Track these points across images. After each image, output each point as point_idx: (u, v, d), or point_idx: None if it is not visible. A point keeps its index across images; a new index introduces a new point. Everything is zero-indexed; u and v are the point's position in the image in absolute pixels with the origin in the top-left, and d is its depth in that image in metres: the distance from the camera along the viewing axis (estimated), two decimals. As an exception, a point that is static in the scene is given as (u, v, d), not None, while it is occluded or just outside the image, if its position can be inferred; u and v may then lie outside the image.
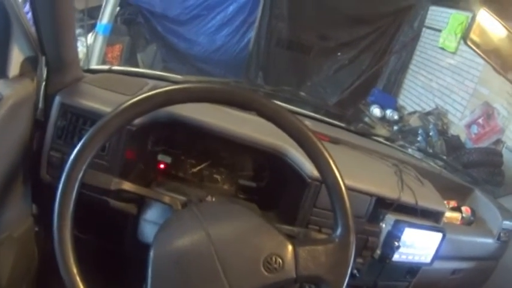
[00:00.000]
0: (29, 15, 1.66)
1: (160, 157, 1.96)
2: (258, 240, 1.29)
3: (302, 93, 3.15)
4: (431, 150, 5.99)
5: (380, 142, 2.79)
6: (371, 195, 1.91)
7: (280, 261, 1.25)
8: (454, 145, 6.87)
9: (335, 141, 2.25)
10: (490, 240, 2.62)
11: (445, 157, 5.22)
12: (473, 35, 2.44)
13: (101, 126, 1.27)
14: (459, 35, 7.62)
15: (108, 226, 1.91)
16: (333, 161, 1.36)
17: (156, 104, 1.33)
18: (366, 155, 2.32)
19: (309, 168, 1.78)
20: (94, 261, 1.56)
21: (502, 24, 2.48)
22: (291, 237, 1.33)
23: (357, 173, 1.88)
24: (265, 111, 1.37)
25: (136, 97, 1.31)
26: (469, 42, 2.45)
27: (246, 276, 1.24)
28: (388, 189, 1.98)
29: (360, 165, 2.16)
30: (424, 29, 9.03)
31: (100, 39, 4.48)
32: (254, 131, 1.85)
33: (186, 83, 1.37)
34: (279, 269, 1.25)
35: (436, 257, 2.08)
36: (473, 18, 2.49)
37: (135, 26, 8.20)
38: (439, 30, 8.36)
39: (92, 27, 4.37)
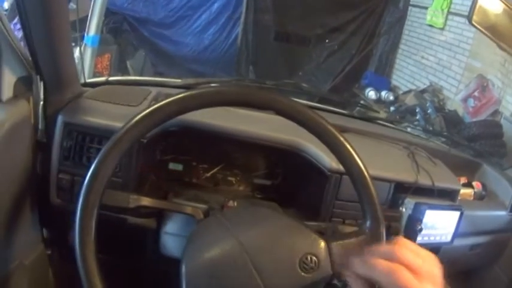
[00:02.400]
0: (17, 33, 1.62)
1: (171, 166, 1.94)
2: (290, 241, 1.27)
3: (304, 85, 3.13)
4: (431, 128, 5.97)
5: (385, 125, 2.77)
6: (390, 181, 1.91)
7: (316, 259, 1.23)
8: (452, 120, 6.86)
9: (343, 129, 2.23)
10: (503, 213, 2.61)
11: (447, 133, 5.22)
12: (477, 14, 2.43)
13: (114, 143, 1.23)
14: (446, 10, 7.63)
15: (127, 243, 1.90)
16: (356, 152, 1.35)
17: (169, 114, 1.29)
18: (376, 141, 2.31)
19: (327, 161, 1.76)
20: (116, 280, 1.54)
21: (504, 2, 2.47)
22: (321, 233, 1.32)
23: (373, 160, 1.84)
24: (284, 109, 1.35)
25: (147, 108, 1.27)
26: (473, 22, 2.45)
27: (284, 281, 1.22)
28: (405, 174, 1.98)
29: (374, 152, 2.15)
30: (410, 7, 9.04)
31: (89, 51, 4.46)
32: (267, 130, 1.83)
33: (192, 88, 1.35)
34: (315, 268, 1.23)
35: (456, 235, 2.08)
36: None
37: (122, 34, 8.19)
38: (425, 8, 8.36)
39: (80, 40, 4.36)
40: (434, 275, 1.08)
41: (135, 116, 1.26)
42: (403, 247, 1.10)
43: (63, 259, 2.06)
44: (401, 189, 1.96)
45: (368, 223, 1.33)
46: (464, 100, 7.04)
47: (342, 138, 1.34)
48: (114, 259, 1.79)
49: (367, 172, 1.34)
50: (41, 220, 1.88)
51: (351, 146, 1.35)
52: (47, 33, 1.56)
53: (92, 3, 4.42)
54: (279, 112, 1.35)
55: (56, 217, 1.81)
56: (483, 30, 2.51)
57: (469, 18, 2.45)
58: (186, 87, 2.18)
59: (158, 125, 1.31)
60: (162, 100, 1.29)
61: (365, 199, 1.34)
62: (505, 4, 2.45)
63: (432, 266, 1.09)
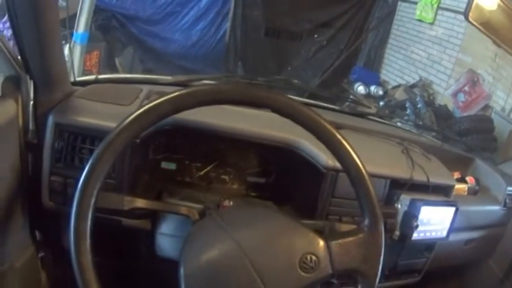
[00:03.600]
0: (6, 32, 1.60)
1: (164, 165, 1.92)
2: (289, 241, 1.27)
3: (295, 81, 3.12)
4: (421, 123, 5.98)
5: (377, 121, 2.77)
6: (385, 178, 1.91)
7: (316, 259, 1.24)
8: (443, 115, 6.89)
9: (338, 126, 2.22)
10: (496, 207, 2.64)
11: (438, 128, 5.23)
12: (473, 11, 2.43)
13: (108, 145, 1.22)
14: (435, 5, 7.65)
15: (122, 245, 1.88)
16: (353, 150, 1.34)
17: (162, 114, 1.28)
18: (370, 137, 2.31)
19: (323, 158, 1.76)
20: (112, 282, 1.52)
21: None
22: (319, 232, 1.32)
23: (369, 157, 1.82)
24: (280, 107, 1.34)
25: (142, 108, 1.25)
26: (470, 19, 2.44)
27: (284, 281, 1.22)
28: (400, 170, 1.98)
29: (369, 148, 2.14)
30: (399, 2, 9.04)
31: (78, 48, 4.44)
32: (262, 127, 1.83)
33: (184, 85, 1.33)
34: (315, 268, 1.23)
35: (451, 230, 2.09)
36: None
37: (110, 31, 8.14)
38: (415, 3, 8.38)
39: (69, 38, 4.34)
40: None
41: (129, 116, 1.24)
42: None
43: (56, 262, 2.04)
44: (397, 185, 1.96)
45: (367, 221, 1.34)
46: (455, 95, 7.06)
47: (339, 136, 1.34)
48: (110, 261, 1.77)
49: (365, 170, 1.34)
50: (32, 222, 1.86)
51: (349, 144, 1.35)
52: (37, 32, 1.54)
53: (81, 0, 4.40)
54: (276, 110, 1.34)
55: (48, 220, 1.80)
56: (479, 27, 2.51)
57: (466, 14, 2.45)
58: (178, 85, 2.16)
59: (152, 125, 1.29)
60: (155, 99, 1.28)
61: (363, 197, 1.34)
62: (501, 0, 2.45)
63: None
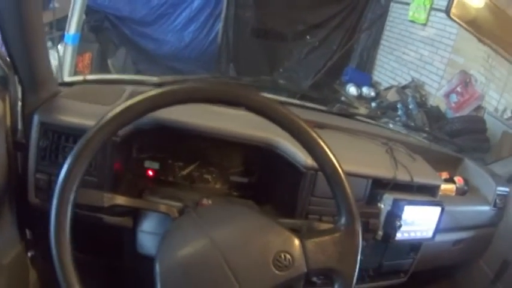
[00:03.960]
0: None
1: (147, 164, 1.94)
2: (264, 239, 1.27)
3: (281, 81, 3.13)
4: (412, 124, 5.99)
5: (365, 122, 2.78)
6: (367, 177, 1.91)
7: (290, 257, 1.24)
8: (434, 116, 6.91)
9: (320, 126, 2.23)
10: (486, 208, 2.64)
11: (428, 129, 5.24)
12: (455, 8, 2.43)
13: (85, 143, 1.22)
14: (428, 6, 7.66)
15: (104, 242, 1.89)
16: (329, 149, 1.34)
17: (139, 112, 1.28)
18: (354, 137, 2.31)
19: (302, 158, 1.76)
20: (95, 279, 1.52)
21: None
22: (296, 231, 1.31)
23: (349, 156, 1.86)
24: (255, 105, 1.33)
25: (118, 107, 1.26)
26: (452, 16, 2.44)
27: (258, 278, 1.22)
28: (382, 169, 1.98)
29: (351, 148, 2.15)
30: (392, 3, 9.05)
31: (70, 49, 4.43)
32: (242, 127, 1.84)
33: (166, 86, 1.33)
34: (289, 266, 1.23)
35: (437, 230, 2.08)
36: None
37: (103, 32, 8.14)
38: (407, 4, 8.38)
39: (59, 39, 4.33)
40: None
41: (106, 115, 1.25)
42: None
43: (46, 260, 2.04)
44: (380, 185, 1.96)
45: (343, 220, 1.33)
46: (447, 96, 7.07)
47: (314, 135, 1.33)
48: (93, 258, 1.82)
49: (341, 168, 1.34)
50: (21, 220, 1.88)
51: (324, 143, 1.34)
52: (22, 34, 1.56)
53: (72, 1, 4.39)
54: (250, 109, 1.34)
55: (37, 217, 1.81)
56: (462, 24, 2.51)
57: (447, 11, 2.45)
58: (162, 85, 2.17)
59: (129, 123, 1.30)
60: (133, 98, 1.28)
61: (339, 196, 1.34)
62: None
63: None
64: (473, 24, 2.51)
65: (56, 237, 1.16)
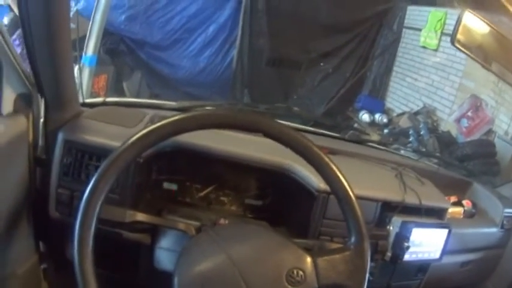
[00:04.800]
0: (16, 49, 1.67)
1: (166, 185, 2.00)
2: (278, 256, 1.33)
3: (295, 108, 3.18)
4: (424, 149, 6.01)
5: (375, 148, 2.84)
6: (376, 200, 1.96)
7: (302, 273, 1.30)
8: (446, 141, 6.88)
9: (333, 152, 2.30)
10: (494, 230, 2.68)
11: (438, 154, 5.26)
12: (459, 36, 2.49)
13: (112, 161, 1.29)
14: (439, 31, 7.65)
15: (122, 257, 1.93)
16: (341, 173, 1.41)
17: (163, 135, 1.35)
18: (365, 162, 2.37)
19: (315, 181, 1.82)
20: None
21: (487, 23, 2.54)
22: (308, 250, 1.38)
23: (360, 181, 1.90)
24: (271, 132, 1.41)
25: (143, 130, 1.33)
26: (456, 44, 2.50)
27: None
28: (391, 193, 2.03)
29: (362, 173, 2.21)
30: (404, 29, 8.99)
31: (87, 71, 4.51)
32: (258, 151, 1.90)
33: (187, 111, 1.40)
34: (302, 282, 1.30)
35: (445, 252, 2.13)
36: (458, 20, 2.56)
37: (118, 55, 8.11)
38: (419, 30, 8.35)
39: (78, 60, 4.38)
40: None
41: (132, 137, 1.32)
42: None
43: (58, 273, 2.10)
44: (389, 208, 2.01)
45: (353, 239, 1.40)
46: (458, 121, 7.07)
47: (326, 159, 1.41)
48: (111, 273, 1.86)
49: (352, 191, 1.40)
50: (37, 233, 1.94)
51: (336, 166, 1.41)
52: (50, 54, 1.63)
53: (90, 23, 4.47)
54: (266, 134, 1.41)
55: (53, 231, 1.88)
56: (467, 52, 2.57)
57: (452, 39, 2.51)
58: (181, 110, 2.23)
59: (153, 146, 1.37)
60: (157, 122, 1.35)
61: (350, 216, 1.40)
62: (490, 25, 2.51)
63: None
64: (479, 51, 2.56)
65: (79, 249, 1.22)
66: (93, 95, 6.25)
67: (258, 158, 1.89)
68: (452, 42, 2.57)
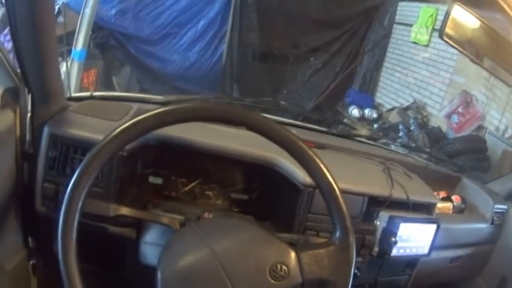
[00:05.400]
0: (7, 44, 1.65)
1: (151, 179, 1.99)
2: (261, 250, 1.33)
3: (282, 103, 3.18)
4: (413, 145, 6.01)
5: (364, 142, 2.84)
6: (363, 195, 1.95)
7: (286, 268, 1.29)
8: (436, 137, 6.88)
9: (320, 146, 2.29)
10: (483, 225, 2.68)
11: (428, 149, 5.26)
12: (448, 30, 2.48)
13: (95, 154, 1.29)
14: (430, 27, 7.66)
15: (107, 252, 1.92)
16: (325, 167, 1.40)
17: (146, 128, 1.35)
18: (352, 157, 2.37)
19: (300, 175, 1.81)
20: None
21: (476, 17, 2.53)
22: (292, 244, 1.37)
23: (347, 175, 1.92)
24: (255, 125, 1.40)
25: (126, 123, 1.32)
26: (445, 37, 2.50)
27: (255, 287, 1.27)
28: (378, 188, 2.03)
29: (349, 167, 2.20)
30: (394, 25, 8.99)
31: (76, 65, 4.49)
32: (243, 145, 1.89)
33: (173, 105, 1.39)
34: (285, 276, 1.29)
35: (433, 247, 2.13)
36: (447, 13, 2.55)
37: (108, 49, 8.08)
38: (410, 25, 8.36)
39: (67, 54, 4.37)
40: None
41: (115, 130, 1.32)
42: None
43: (47, 268, 2.09)
44: (376, 203, 2.00)
45: (338, 234, 1.39)
46: (448, 116, 7.07)
47: (310, 153, 1.40)
48: (96, 268, 1.86)
49: (336, 185, 1.39)
50: (25, 228, 1.93)
51: (320, 161, 1.40)
52: (36, 48, 1.63)
53: (80, 17, 4.45)
54: (251, 128, 1.40)
55: (40, 225, 1.87)
56: (455, 46, 2.56)
57: (441, 33, 2.50)
58: (168, 104, 2.22)
59: (136, 139, 1.37)
60: (140, 115, 1.35)
61: (334, 211, 1.39)
62: (479, 19, 2.51)
63: None
64: (467, 46, 2.56)
65: (63, 243, 1.21)
66: (82, 89, 6.23)
67: (243, 151, 1.89)
68: (441, 36, 2.57)
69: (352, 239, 1.38)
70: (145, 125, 1.34)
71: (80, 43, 4.50)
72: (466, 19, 2.57)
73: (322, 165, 1.40)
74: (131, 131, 1.33)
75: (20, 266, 1.93)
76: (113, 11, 7.86)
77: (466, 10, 2.53)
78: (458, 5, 2.52)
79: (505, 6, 2.24)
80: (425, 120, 7.53)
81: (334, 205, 1.39)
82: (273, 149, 1.48)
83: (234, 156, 1.88)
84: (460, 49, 2.66)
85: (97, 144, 1.31)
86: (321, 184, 1.41)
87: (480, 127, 6.66)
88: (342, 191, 1.41)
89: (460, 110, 6.91)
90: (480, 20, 2.56)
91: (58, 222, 1.23)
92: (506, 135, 6.11)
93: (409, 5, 8.63)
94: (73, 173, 1.27)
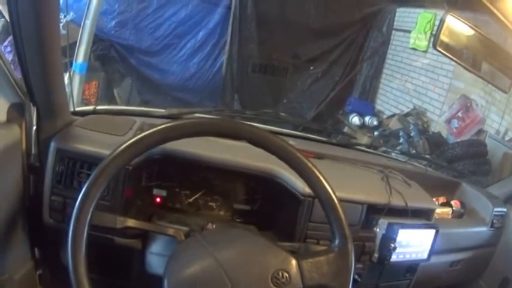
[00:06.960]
0: (7, 56, 1.68)
1: (155, 192, 2.03)
2: (263, 259, 1.37)
3: (282, 114, 3.21)
4: (414, 151, 6.03)
5: (363, 151, 2.87)
6: (362, 203, 1.99)
7: (287, 275, 1.34)
8: (436, 142, 6.86)
9: (320, 156, 2.33)
10: (483, 229, 2.72)
11: (428, 156, 5.28)
12: (442, 39, 2.51)
13: (103, 169, 1.34)
14: (429, 33, 7.66)
15: (114, 262, 1.96)
16: (323, 177, 1.45)
17: (151, 143, 1.40)
18: (351, 166, 2.40)
19: (300, 186, 1.85)
20: None
21: (468, 25, 2.56)
22: (293, 253, 1.42)
23: (345, 184, 1.97)
24: (255, 138, 1.46)
25: (132, 138, 1.37)
26: (438, 47, 2.53)
27: None
28: (377, 196, 2.07)
29: (348, 176, 2.24)
30: (393, 32, 8.97)
31: (77, 78, 4.51)
32: (245, 158, 1.93)
33: (174, 117, 1.43)
34: (286, 283, 1.33)
35: (432, 252, 2.16)
36: (441, 24, 2.58)
37: (109, 61, 8.06)
38: (409, 31, 8.34)
39: (68, 66, 4.37)
40: None
41: (121, 145, 1.37)
42: None
43: (54, 278, 2.13)
44: (375, 210, 2.04)
45: (337, 241, 1.44)
46: (448, 121, 7.06)
47: (309, 164, 1.45)
48: (104, 278, 1.90)
49: (334, 194, 1.44)
50: (33, 239, 1.98)
51: (318, 171, 1.45)
52: (41, 64, 1.66)
53: (81, 30, 4.46)
54: (250, 141, 1.46)
55: (47, 237, 1.92)
56: (448, 55, 2.59)
57: (434, 43, 2.54)
58: (170, 118, 2.26)
59: (142, 154, 1.42)
60: (145, 130, 1.40)
61: (333, 219, 1.44)
62: (473, 28, 2.54)
63: None
64: (462, 54, 2.59)
65: (73, 254, 1.26)
66: (84, 102, 6.24)
67: (245, 164, 1.93)
68: (434, 46, 2.60)
69: (351, 246, 1.43)
70: (151, 140, 1.40)
71: (81, 56, 4.51)
72: (459, 28, 2.59)
73: (320, 176, 1.45)
74: (138, 146, 1.38)
75: (27, 276, 1.96)
76: (113, 23, 7.89)
77: (459, 19, 2.56)
78: (452, 14, 2.55)
79: (497, 13, 2.28)
80: (425, 126, 7.51)
81: (332, 214, 1.44)
82: (273, 160, 1.52)
83: (236, 168, 1.93)
84: (454, 58, 2.69)
85: (104, 158, 1.36)
86: (319, 194, 1.46)
87: (480, 131, 6.65)
88: (341, 200, 1.46)
89: (459, 114, 6.90)
90: (473, 29, 2.59)
91: (68, 234, 1.28)
92: (507, 138, 6.12)
93: (408, 11, 8.61)
94: (80, 187, 1.32)
